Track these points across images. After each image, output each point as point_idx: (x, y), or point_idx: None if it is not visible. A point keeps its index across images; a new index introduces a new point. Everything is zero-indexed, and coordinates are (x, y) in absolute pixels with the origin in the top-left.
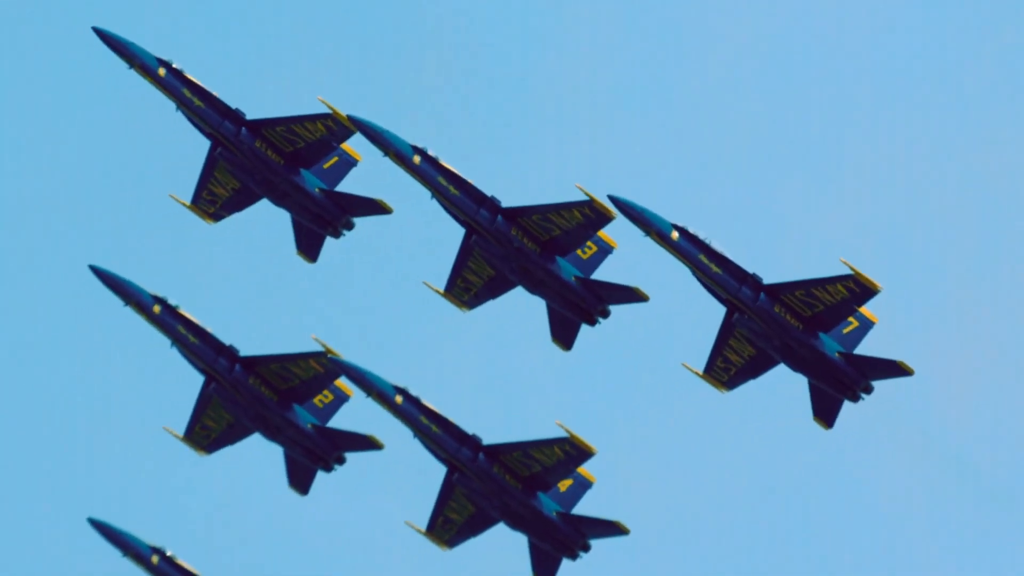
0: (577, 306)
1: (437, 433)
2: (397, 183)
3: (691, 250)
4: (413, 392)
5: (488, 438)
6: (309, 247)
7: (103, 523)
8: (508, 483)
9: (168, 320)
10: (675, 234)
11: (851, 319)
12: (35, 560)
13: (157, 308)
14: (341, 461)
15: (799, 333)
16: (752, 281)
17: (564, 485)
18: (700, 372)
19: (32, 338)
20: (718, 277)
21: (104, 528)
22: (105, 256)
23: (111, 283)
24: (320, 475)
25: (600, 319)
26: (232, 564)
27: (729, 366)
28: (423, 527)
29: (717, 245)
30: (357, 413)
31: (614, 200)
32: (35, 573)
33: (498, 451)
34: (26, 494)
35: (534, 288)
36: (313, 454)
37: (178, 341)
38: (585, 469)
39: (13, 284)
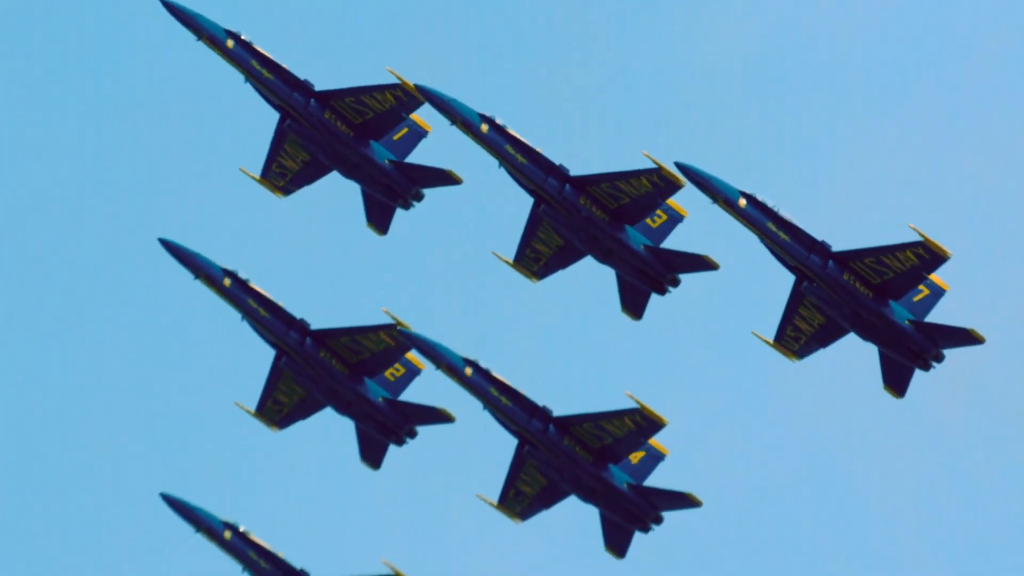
0: (647, 275)
1: (507, 405)
2: (466, 153)
3: (759, 217)
4: (483, 364)
5: (558, 410)
6: (379, 219)
7: (176, 499)
8: (579, 455)
9: (239, 293)
10: (743, 201)
11: (922, 287)
12: (108, 536)
13: (228, 281)
14: (413, 435)
15: (869, 301)
16: (820, 248)
17: (636, 457)
18: (771, 341)
19: (103, 313)
20: (786, 244)
21: (177, 504)
22: (175, 230)
23: (181, 256)
24: (392, 449)
25: (670, 288)
26: (305, 539)
27: (799, 335)
28: (495, 500)
29: (785, 212)
30: (428, 386)
31: (681, 167)
32: (108, 548)
33: (568, 423)
34: (99, 470)
35: (603, 258)
36: (385, 428)
37: (248, 315)
38: (657, 441)
39: (84, 258)
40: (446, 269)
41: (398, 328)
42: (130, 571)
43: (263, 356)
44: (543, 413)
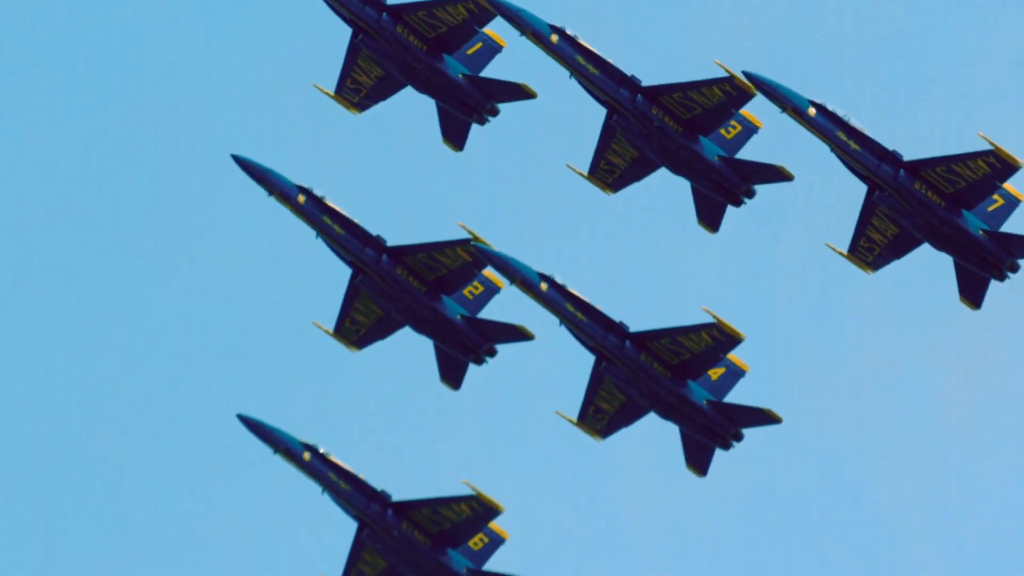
0: (722, 187)
1: (583, 321)
2: (541, 68)
3: (828, 127)
4: (558, 279)
5: (635, 325)
6: (455, 135)
7: (253, 420)
8: (656, 371)
9: (313, 210)
10: (812, 110)
11: (996, 196)
12: (186, 458)
13: (302, 198)
14: (492, 353)
15: (941, 210)
16: (891, 158)
17: (715, 374)
18: (845, 252)
19: (177, 232)
20: (857, 154)
21: (255, 425)
22: (249, 148)
23: (255, 173)
24: (471, 368)
25: (745, 199)
26: (384, 460)
27: (873, 246)
28: (575, 418)
29: (855, 122)
30: (508, 305)
31: (749, 76)
32: (186, 471)
33: (645, 338)
34: (176, 391)
35: (678, 169)
36: (464, 346)
37: (323, 232)
38: (737, 357)
39: (156, 175)
40: (521, 184)
41: (472, 243)
42: (209, 494)
43: (340, 275)
44: (619, 329)
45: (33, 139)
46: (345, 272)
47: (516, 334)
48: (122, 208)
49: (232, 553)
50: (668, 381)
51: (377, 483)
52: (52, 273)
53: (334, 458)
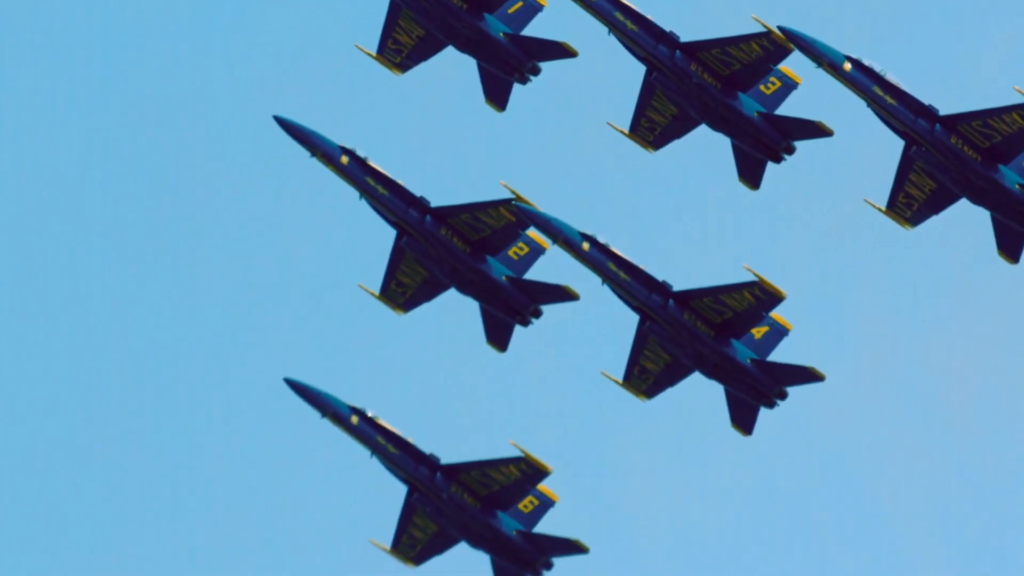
0: (762, 143)
1: (626, 280)
2: (580, 26)
3: (865, 81)
4: (601, 239)
5: (677, 284)
6: (497, 94)
7: (301, 384)
8: (700, 330)
9: (356, 171)
10: (848, 65)
11: None
12: (233, 422)
13: (345, 159)
14: (538, 314)
15: (977, 165)
16: (928, 112)
17: (759, 332)
18: (883, 208)
19: (221, 195)
20: (893, 109)
21: (302, 389)
22: (292, 108)
23: (298, 135)
24: (517, 330)
25: (785, 156)
26: (432, 422)
27: (911, 201)
28: (620, 378)
29: (892, 77)
30: (553, 266)
31: (784, 31)
32: (233, 435)
33: (688, 297)
34: (224, 356)
35: (717, 125)
36: (509, 307)
37: (366, 193)
38: (780, 315)
39: (200, 137)
40: (563, 143)
41: (514, 202)
42: (257, 458)
43: (384, 237)
44: (662, 287)
45: (74, 94)
46: (389, 234)
47: (561, 294)
48: (165, 171)
49: (282, 519)
50: (712, 340)
51: (425, 446)
52: (97, 236)
53: (382, 422)
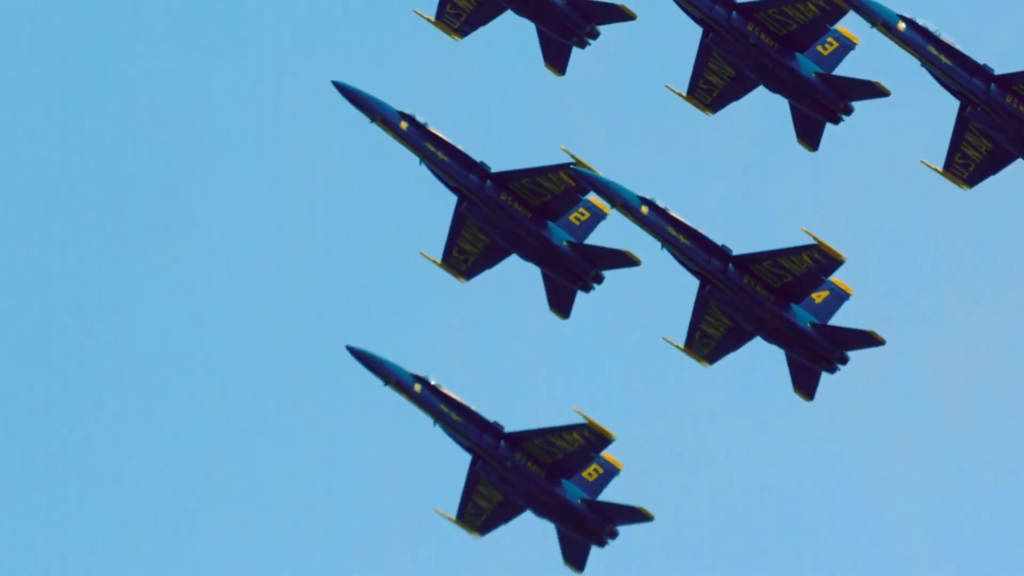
0: (820, 104)
1: (685, 244)
2: None
3: (919, 41)
4: (660, 203)
5: (736, 247)
6: (556, 59)
7: (363, 351)
8: (759, 294)
9: (416, 137)
10: (901, 25)
11: None
12: (294, 390)
13: (404, 124)
14: (599, 280)
15: None
16: (983, 72)
17: (819, 297)
18: (940, 169)
19: (281, 161)
20: (948, 68)
21: (364, 357)
22: (350, 74)
23: (357, 100)
24: (580, 296)
25: (843, 116)
26: (495, 390)
27: (968, 162)
28: (682, 343)
29: (946, 36)
30: (615, 231)
31: None
32: (295, 402)
33: (747, 261)
34: (284, 323)
35: (775, 87)
36: (571, 273)
37: (426, 158)
38: (840, 279)
39: (259, 103)
40: (622, 106)
41: (572, 166)
42: (319, 426)
43: (445, 203)
44: (722, 252)
45: (126, 84)
46: (450, 200)
47: (622, 259)
48: (230, 139)
49: (345, 488)
50: (771, 304)
51: (489, 414)
52: (164, 209)
53: (445, 390)
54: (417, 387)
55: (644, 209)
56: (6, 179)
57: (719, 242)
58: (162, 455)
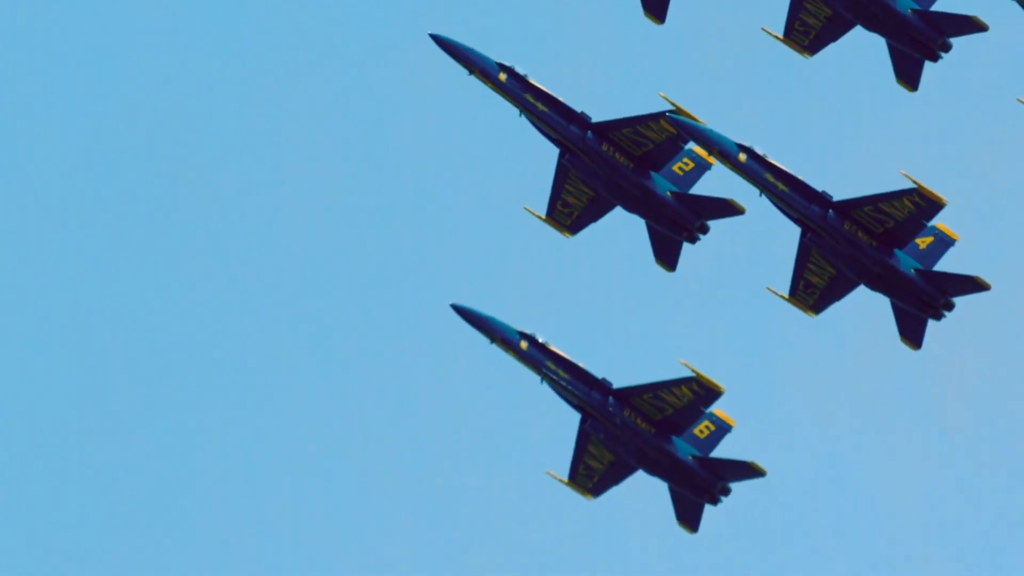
0: (919, 42)
1: (784, 191)
2: None
3: (756, 169)
4: (758, 150)
5: (837, 194)
6: (656, 8)
7: (468, 309)
8: (861, 239)
9: (515, 88)
10: (743, 155)
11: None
12: (401, 347)
13: (503, 76)
14: (704, 230)
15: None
16: (821, 198)
17: (924, 242)
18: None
19: (380, 117)
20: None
21: (470, 315)
22: (448, 26)
23: (454, 52)
24: (686, 248)
25: (942, 54)
26: (603, 346)
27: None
28: (786, 293)
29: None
30: (720, 181)
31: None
32: (400, 363)
33: (848, 207)
34: (391, 284)
35: (873, 25)
36: (675, 224)
37: (526, 110)
38: (945, 225)
39: (355, 59)
40: (719, 52)
41: (668, 113)
42: (423, 383)
43: (547, 156)
44: (821, 197)
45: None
46: (552, 153)
47: (727, 209)
48: (322, 91)
49: (454, 450)
50: (873, 250)
51: (596, 371)
52: (216, 192)
53: (552, 347)
54: (524, 344)
55: (742, 156)
56: (7, 179)
57: (819, 188)
58: (278, 414)
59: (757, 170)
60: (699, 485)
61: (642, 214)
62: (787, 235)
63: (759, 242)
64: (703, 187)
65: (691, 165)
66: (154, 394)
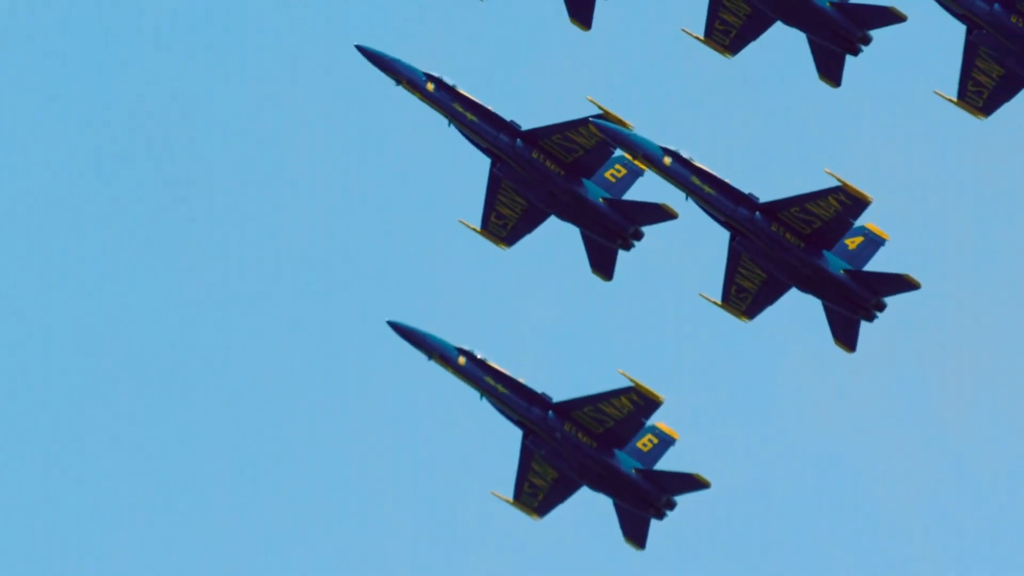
0: (839, 35)
1: (711, 194)
2: None
3: (683, 173)
4: (684, 153)
5: (764, 195)
6: (580, 14)
7: (404, 325)
8: (789, 241)
9: (444, 98)
10: (667, 159)
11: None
12: (336, 367)
13: (431, 86)
14: (639, 236)
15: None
16: (748, 200)
17: (853, 243)
18: (954, 99)
19: (307, 129)
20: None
21: (406, 331)
22: (371, 38)
23: (380, 63)
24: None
25: (862, 47)
26: (542, 359)
27: (982, 89)
28: (719, 299)
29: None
30: (654, 188)
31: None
32: (336, 380)
33: (774, 208)
34: (322, 301)
35: (792, 21)
36: (609, 231)
37: (455, 119)
38: (875, 225)
39: (281, 71)
40: (647, 60)
41: (591, 118)
42: (360, 404)
43: (479, 166)
44: (748, 199)
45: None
46: (484, 163)
47: (659, 213)
48: (249, 105)
49: (394, 471)
50: (801, 251)
51: (537, 385)
52: (189, 184)
53: (491, 362)
54: (462, 360)
55: (667, 160)
56: (9, 180)
57: (746, 191)
58: (204, 428)
59: (683, 173)
60: (643, 499)
61: (576, 222)
62: (721, 239)
63: (693, 247)
64: (636, 193)
65: (623, 171)
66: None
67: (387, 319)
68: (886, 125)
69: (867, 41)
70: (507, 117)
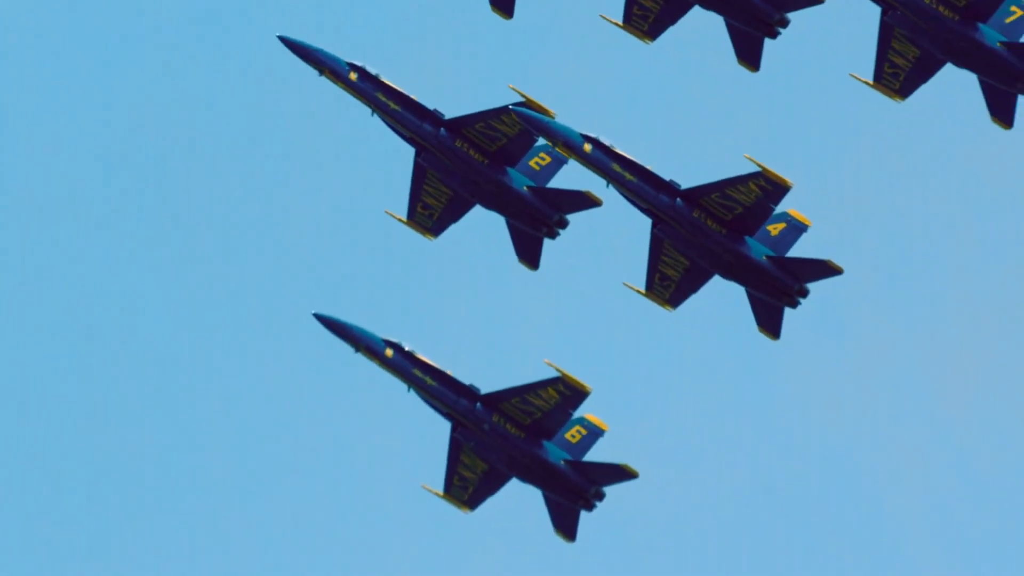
0: (756, 19)
1: (632, 181)
2: None
3: (604, 160)
4: (605, 140)
5: (685, 181)
6: (501, 2)
7: (330, 318)
8: (710, 228)
9: (367, 87)
10: (587, 146)
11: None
12: (262, 359)
13: (354, 75)
14: (564, 224)
15: (956, 24)
16: (669, 187)
17: (776, 229)
18: (871, 81)
19: (227, 121)
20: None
21: (332, 323)
22: (295, 27)
23: (303, 53)
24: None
25: (780, 30)
26: (472, 350)
27: (897, 71)
28: (642, 288)
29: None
30: (580, 176)
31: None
32: (262, 372)
33: (696, 194)
34: (246, 293)
35: (709, 4)
36: (534, 219)
37: (379, 109)
38: (797, 211)
39: (205, 60)
40: (569, 47)
41: (511, 106)
42: (286, 396)
43: (404, 156)
44: (669, 186)
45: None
46: (408, 153)
47: (583, 201)
48: (180, 95)
49: (322, 464)
50: (723, 238)
51: (465, 376)
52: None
53: (419, 354)
54: (389, 352)
55: (587, 147)
56: (11, 180)
57: (667, 177)
58: (136, 431)
59: (604, 161)
60: (572, 490)
61: (500, 211)
62: (645, 227)
63: (618, 235)
64: (560, 181)
65: (548, 160)
66: None
67: (313, 311)
68: (805, 109)
69: (784, 24)
70: (430, 106)
